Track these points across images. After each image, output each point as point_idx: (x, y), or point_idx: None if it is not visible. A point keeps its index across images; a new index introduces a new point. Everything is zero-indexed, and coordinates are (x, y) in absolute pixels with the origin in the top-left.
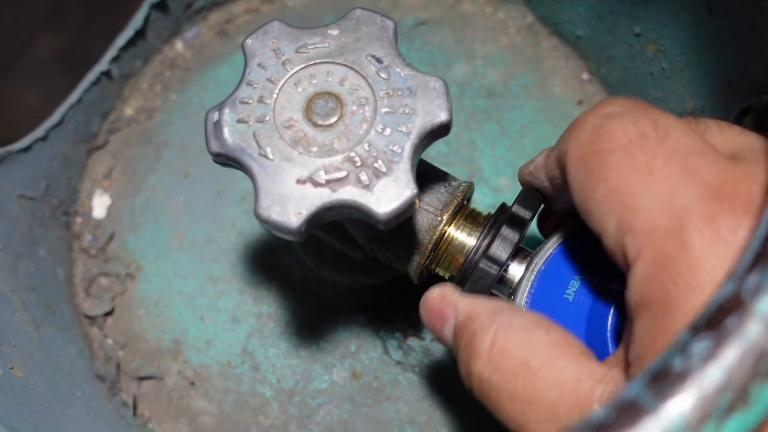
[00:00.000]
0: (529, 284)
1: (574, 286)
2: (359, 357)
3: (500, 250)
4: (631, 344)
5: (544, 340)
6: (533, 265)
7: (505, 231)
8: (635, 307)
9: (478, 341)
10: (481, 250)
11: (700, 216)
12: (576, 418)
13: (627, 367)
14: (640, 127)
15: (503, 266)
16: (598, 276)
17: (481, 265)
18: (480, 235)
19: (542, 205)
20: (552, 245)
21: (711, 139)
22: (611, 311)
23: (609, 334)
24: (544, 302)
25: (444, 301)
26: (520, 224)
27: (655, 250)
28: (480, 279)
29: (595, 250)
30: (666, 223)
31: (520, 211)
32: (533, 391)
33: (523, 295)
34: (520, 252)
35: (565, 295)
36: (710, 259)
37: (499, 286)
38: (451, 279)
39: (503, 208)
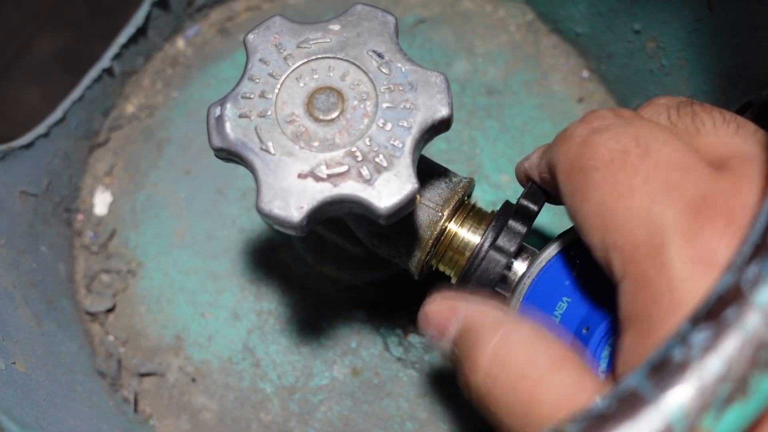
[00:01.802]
0: (521, 297)
1: (562, 308)
2: (360, 353)
3: (507, 242)
4: (618, 360)
5: (545, 354)
6: (526, 278)
7: (513, 224)
8: (622, 324)
9: (478, 353)
10: (486, 246)
11: (680, 234)
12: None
13: (616, 380)
14: (622, 143)
15: (511, 257)
16: (588, 297)
17: (488, 256)
18: (485, 230)
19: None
20: (546, 258)
21: (703, 139)
22: (593, 336)
23: (590, 359)
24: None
25: (445, 307)
26: (527, 217)
27: (636, 270)
28: (487, 271)
29: (588, 266)
30: (646, 242)
31: (527, 204)
32: (531, 404)
33: (515, 309)
34: (523, 251)
35: (552, 316)
36: (688, 280)
37: (501, 284)
38: (455, 283)
39: (507, 205)
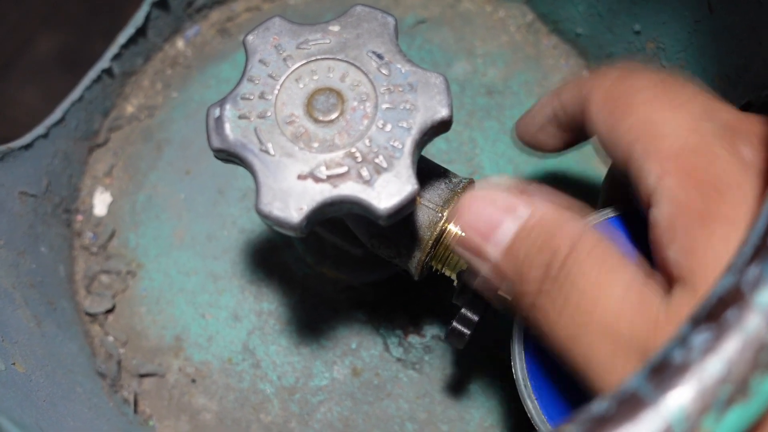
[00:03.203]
0: None
1: None
2: (360, 354)
3: None
4: (672, 263)
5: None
6: None
7: None
8: (669, 223)
9: (549, 255)
10: None
11: (726, 140)
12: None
13: (698, 290)
14: (661, 77)
15: None
16: None
17: None
18: None
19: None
20: None
21: None
22: None
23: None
24: None
25: (499, 200)
26: None
27: (686, 163)
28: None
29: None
30: (693, 142)
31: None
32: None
33: None
34: None
35: None
36: (734, 173)
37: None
38: (456, 285)
39: None
